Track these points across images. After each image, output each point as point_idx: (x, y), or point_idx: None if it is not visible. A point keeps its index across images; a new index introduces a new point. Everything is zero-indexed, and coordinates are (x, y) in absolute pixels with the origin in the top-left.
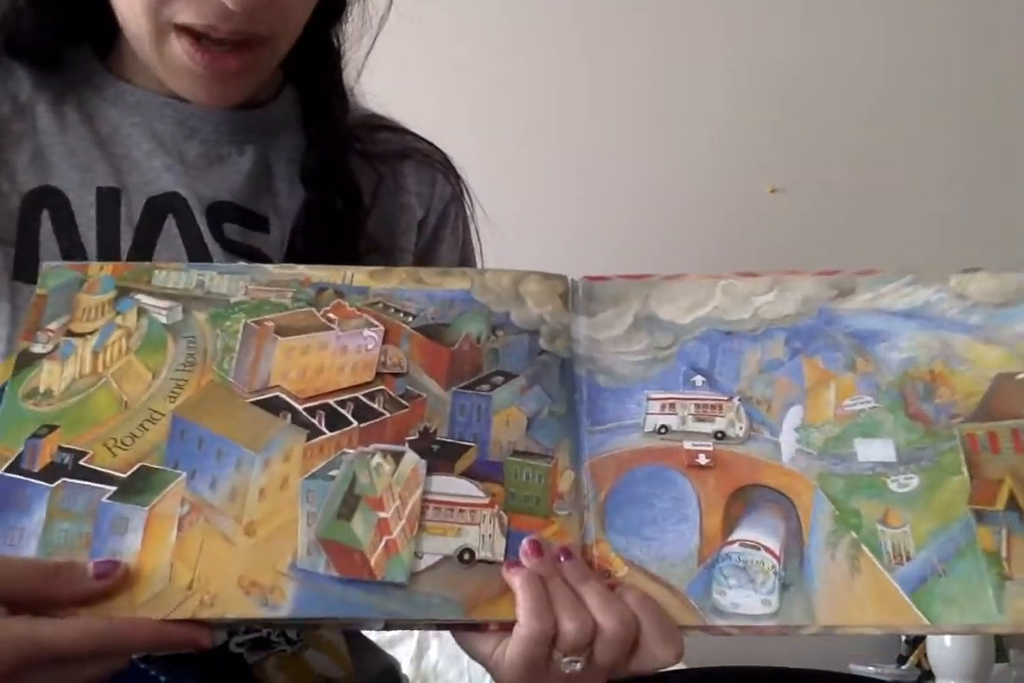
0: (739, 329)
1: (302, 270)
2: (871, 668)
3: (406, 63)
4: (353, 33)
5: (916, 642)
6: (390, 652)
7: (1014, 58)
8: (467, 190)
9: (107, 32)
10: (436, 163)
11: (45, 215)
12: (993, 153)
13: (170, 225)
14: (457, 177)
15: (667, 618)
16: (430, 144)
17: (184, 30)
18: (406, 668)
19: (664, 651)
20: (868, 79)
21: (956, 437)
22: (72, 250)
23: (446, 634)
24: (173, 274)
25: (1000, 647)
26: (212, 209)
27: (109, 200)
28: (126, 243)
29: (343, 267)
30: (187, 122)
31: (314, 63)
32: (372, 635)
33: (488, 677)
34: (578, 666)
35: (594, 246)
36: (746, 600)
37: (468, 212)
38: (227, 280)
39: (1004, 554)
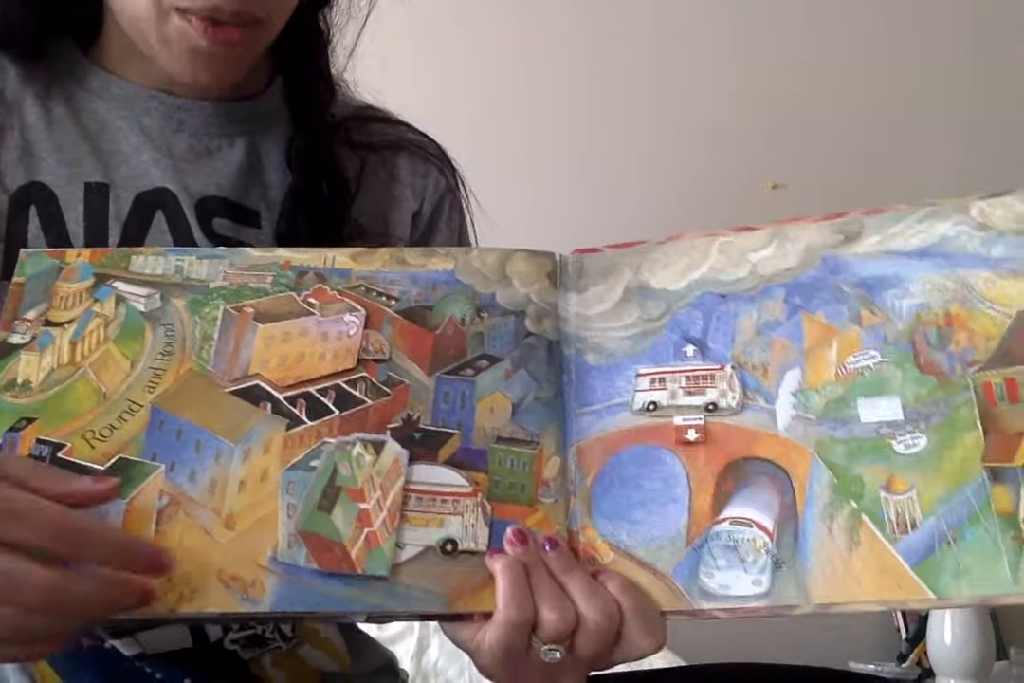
0: (735, 290)
1: (282, 253)
2: (871, 666)
3: (403, 55)
4: (340, 19)
5: (916, 640)
6: (390, 649)
7: (1016, 57)
8: (462, 182)
9: (89, 24)
10: (430, 155)
11: (33, 212)
12: (995, 151)
13: (159, 220)
14: (452, 169)
15: (650, 607)
16: (425, 136)
17: (188, 12)
18: (406, 665)
19: (645, 641)
20: (869, 77)
21: (971, 388)
22: (60, 246)
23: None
24: (151, 260)
25: (1000, 645)
26: (201, 204)
27: (97, 195)
28: (114, 239)
29: (325, 249)
30: (175, 115)
31: (302, 49)
32: (372, 631)
33: None
34: (558, 655)
35: (594, 242)
36: (736, 581)
37: (463, 204)
38: (206, 265)
39: (1022, 515)
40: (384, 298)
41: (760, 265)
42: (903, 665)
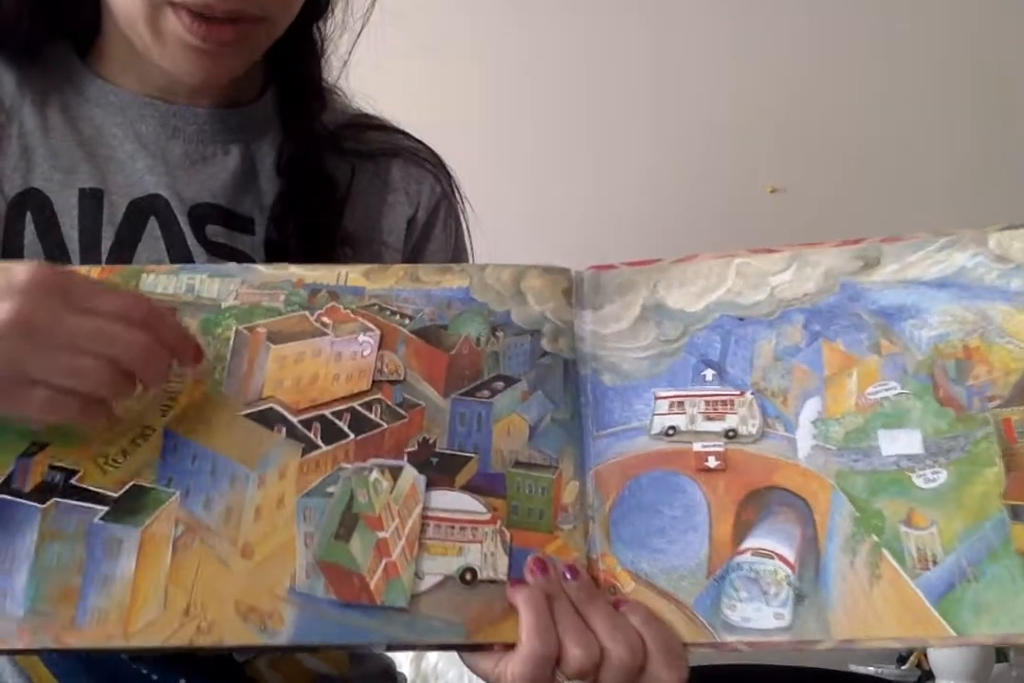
0: (754, 314)
1: (295, 270)
2: (871, 668)
3: (399, 60)
4: (335, 30)
5: None
6: (389, 652)
7: (1016, 57)
8: (458, 189)
9: (87, 29)
10: (425, 161)
11: (29, 218)
12: (995, 153)
13: (152, 227)
14: (448, 176)
15: (673, 639)
16: (420, 143)
17: (180, 6)
18: (406, 668)
19: (669, 675)
20: (869, 79)
21: (990, 423)
22: (54, 252)
23: None
24: (163, 278)
25: (1000, 647)
26: (195, 210)
27: (91, 201)
28: (107, 244)
29: (337, 266)
30: (170, 122)
31: (295, 59)
32: None
33: None
34: None
35: (591, 247)
36: (757, 614)
37: (459, 210)
38: (218, 283)
39: None
40: (398, 317)
41: (779, 289)
42: (903, 667)
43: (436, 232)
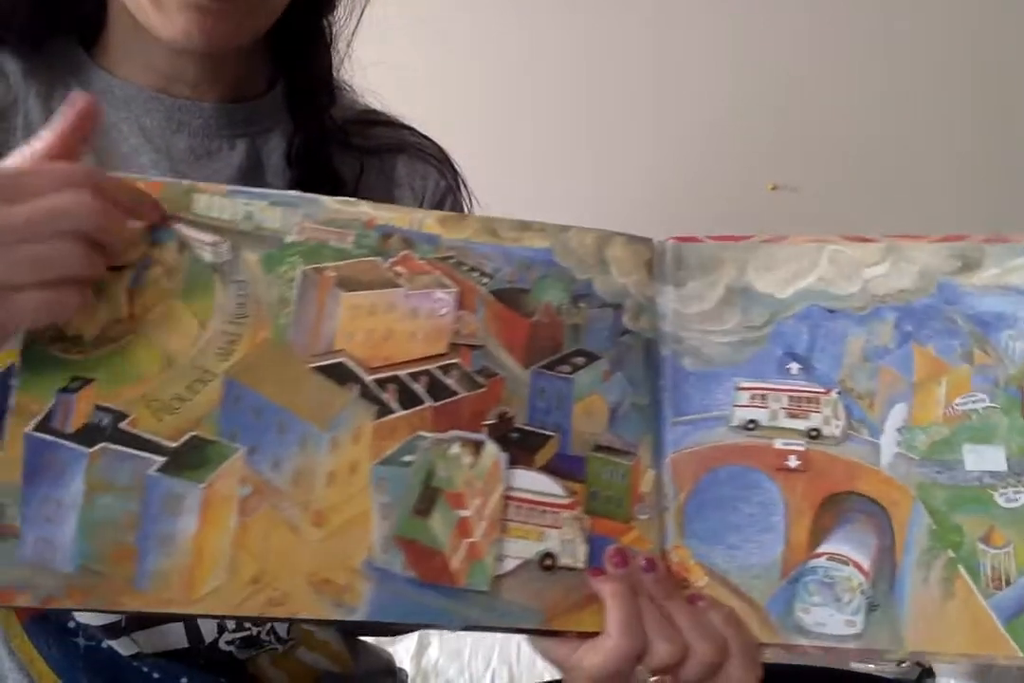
0: (844, 306)
1: (365, 209)
2: (872, 665)
3: (404, 56)
4: (344, 24)
5: None
6: (390, 649)
7: (1016, 57)
8: (464, 184)
9: (92, 21)
10: (430, 156)
11: None
12: (997, 148)
13: None
14: (453, 171)
15: (751, 640)
16: (426, 138)
17: None
18: (406, 665)
19: (746, 675)
20: (869, 77)
21: None
22: None
23: (447, 632)
24: (216, 200)
25: None
26: None
27: None
28: None
29: (413, 210)
30: (175, 116)
31: (303, 52)
32: None
33: (488, 675)
34: None
35: None
36: (830, 619)
37: (464, 206)
38: (280, 214)
39: None
40: (477, 274)
41: (873, 283)
42: (903, 664)
43: None
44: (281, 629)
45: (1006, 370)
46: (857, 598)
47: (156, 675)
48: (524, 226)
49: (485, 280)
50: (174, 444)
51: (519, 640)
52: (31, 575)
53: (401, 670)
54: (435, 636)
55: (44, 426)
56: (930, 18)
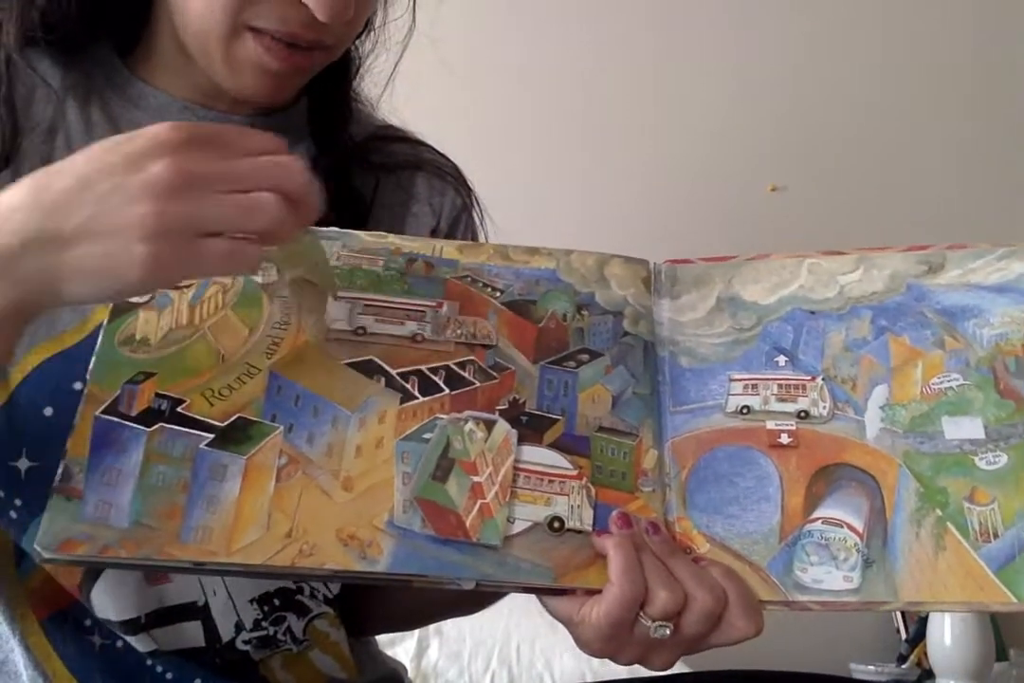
0: (824, 308)
1: (392, 240)
2: (871, 667)
3: (413, 69)
4: (372, 49)
5: (916, 641)
6: (390, 651)
7: (1016, 57)
8: (477, 202)
9: (131, 31)
10: (447, 174)
11: None
12: (995, 151)
13: None
14: (468, 189)
15: (750, 592)
16: (442, 156)
17: (264, 32)
18: (406, 667)
19: (746, 623)
20: (869, 78)
21: None
22: None
23: (447, 632)
24: None
25: (1000, 646)
26: None
27: None
28: None
29: (433, 240)
30: None
31: (333, 75)
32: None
33: (488, 676)
34: (667, 632)
35: (593, 247)
36: (828, 576)
37: (477, 223)
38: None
39: None
40: (490, 289)
41: (848, 287)
42: (903, 666)
43: None
44: (297, 629)
45: (976, 353)
46: (853, 556)
47: (170, 675)
48: (533, 251)
49: (497, 294)
50: (221, 424)
51: (518, 641)
52: (91, 529)
53: (409, 680)
54: (435, 637)
55: (111, 410)
56: (930, 19)
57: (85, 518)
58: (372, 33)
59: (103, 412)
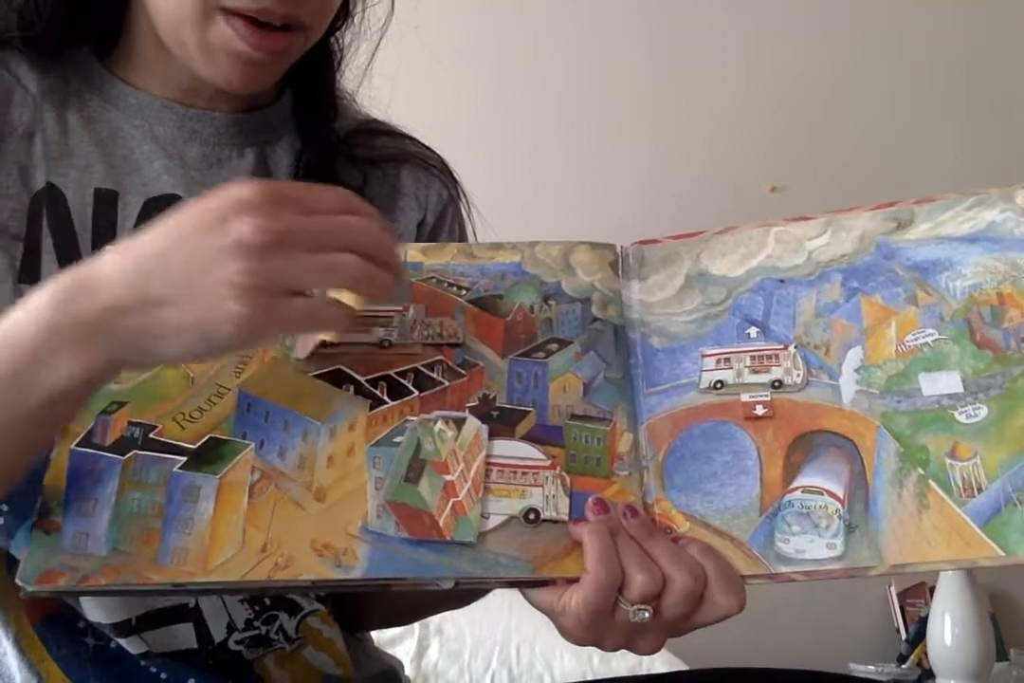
0: (794, 275)
1: None
2: (871, 667)
3: (404, 64)
4: (352, 40)
5: (916, 641)
6: (390, 651)
7: (1016, 57)
8: (464, 195)
9: (109, 32)
10: (433, 167)
11: (45, 213)
12: (994, 151)
13: None
14: (454, 181)
15: (730, 568)
16: (428, 149)
17: (233, 13)
18: (406, 667)
19: (728, 599)
20: (869, 78)
21: None
22: (68, 252)
23: (447, 632)
24: None
25: (1000, 646)
26: None
27: (106, 202)
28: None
29: (398, 244)
30: (187, 124)
31: (314, 67)
32: (372, 633)
33: (487, 677)
34: (647, 615)
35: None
36: (810, 545)
37: (464, 215)
38: None
39: None
40: (455, 288)
41: (817, 252)
42: (903, 666)
43: (443, 236)
44: (290, 627)
45: (950, 306)
46: (835, 523)
47: (164, 675)
48: (497, 246)
49: (463, 292)
50: (193, 446)
51: (519, 642)
52: (70, 560)
53: (406, 677)
54: (435, 637)
55: (85, 442)
56: (930, 19)
57: (64, 550)
58: (351, 21)
59: (78, 444)
